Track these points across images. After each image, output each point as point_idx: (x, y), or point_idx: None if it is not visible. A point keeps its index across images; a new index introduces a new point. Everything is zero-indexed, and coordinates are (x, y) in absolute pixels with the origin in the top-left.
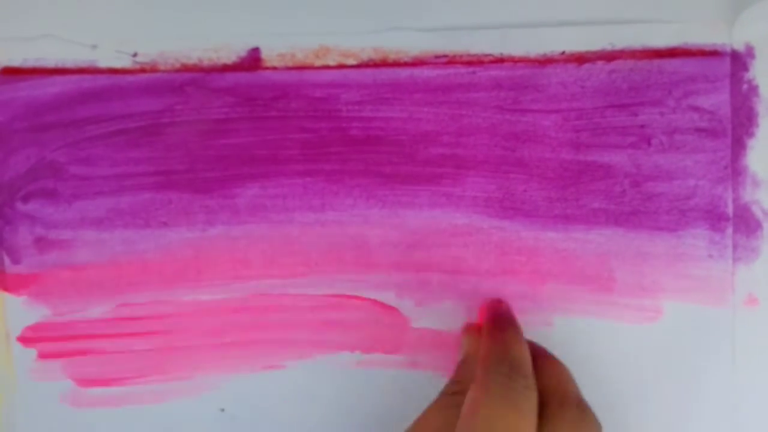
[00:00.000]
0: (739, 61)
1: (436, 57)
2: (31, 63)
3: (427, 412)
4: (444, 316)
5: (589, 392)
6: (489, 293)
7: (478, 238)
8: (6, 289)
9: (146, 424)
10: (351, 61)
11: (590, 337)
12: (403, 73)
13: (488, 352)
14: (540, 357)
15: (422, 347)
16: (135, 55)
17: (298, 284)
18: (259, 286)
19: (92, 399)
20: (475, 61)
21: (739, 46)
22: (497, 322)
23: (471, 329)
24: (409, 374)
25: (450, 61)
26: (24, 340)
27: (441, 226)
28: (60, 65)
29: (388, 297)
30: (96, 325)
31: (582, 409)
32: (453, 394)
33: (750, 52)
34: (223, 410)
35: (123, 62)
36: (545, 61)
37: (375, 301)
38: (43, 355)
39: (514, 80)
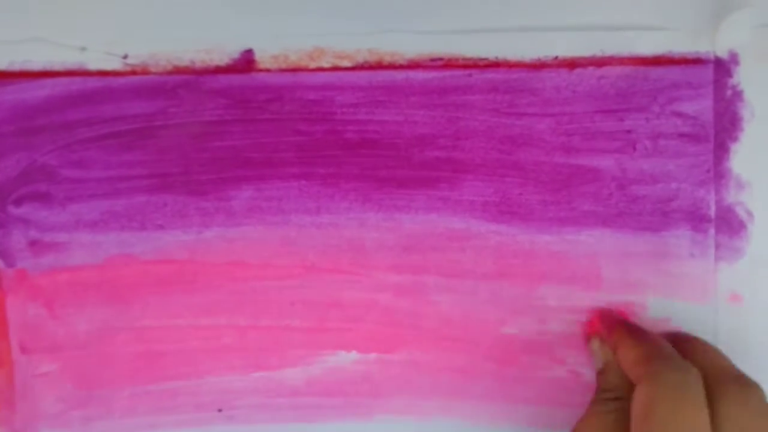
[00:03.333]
0: (722, 67)
1: (432, 60)
2: (18, 66)
3: (583, 422)
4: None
5: None
6: (486, 296)
7: (475, 243)
8: (2, 292)
9: (144, 424)
10: (346, 63)
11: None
12: (399, 75)
13: (643, 352)
14: (681, 341)
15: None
16: (125, 56)
17: (294, 287)
18: (254, 288)
19: (91, 399)
20: (470, 65)
21: (722, 53)
22: (629, 326)
23: (595, 339)
24: None
25: (446, 64)
26: (21, 342)
27: (437, 230)
28: (48, 68)
29: (385, 298)
30: (92, 327)
31: (743, 381)
32: (606, 401)
33: (734, 58)
34: (220, 410)
35: (113, 64)
36: (539, 66)
37: (373, 302)
38: (40, 358)
39: (510, 84)
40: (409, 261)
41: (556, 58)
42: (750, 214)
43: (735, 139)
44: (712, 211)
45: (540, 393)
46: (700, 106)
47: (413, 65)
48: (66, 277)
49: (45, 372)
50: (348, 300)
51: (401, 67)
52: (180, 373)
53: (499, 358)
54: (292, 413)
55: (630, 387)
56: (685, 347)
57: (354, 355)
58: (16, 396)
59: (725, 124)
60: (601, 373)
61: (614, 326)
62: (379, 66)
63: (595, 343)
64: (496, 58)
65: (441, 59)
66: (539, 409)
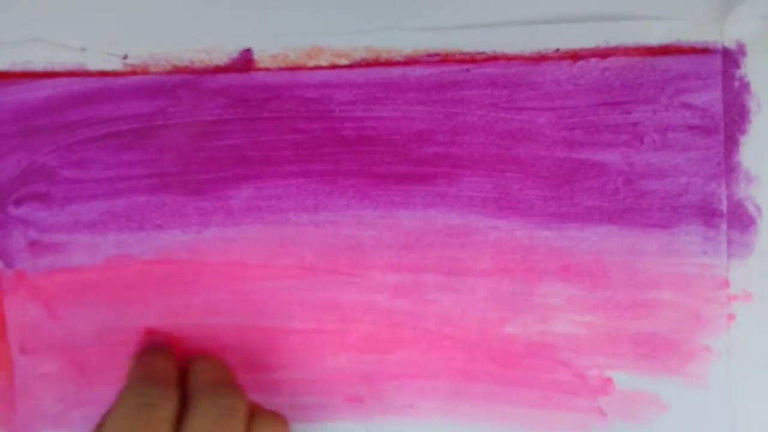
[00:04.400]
0: (730, 58)
1: (429, 55)
2: (19, 67)
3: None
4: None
5: None
6: (486, 294)
7: (474, 239)
8: (1, 292)
9: None
10: (343, 61)
11: None
12: (396, 72)
13: (135, 365)
14: (190, 361)
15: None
16: (125, 57)
17: (292, 287)
18: (253, 288)
19: (92, 399)
20: (468, 59)
21: (730, 43)
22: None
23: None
24: None
25: (443, 59)
26: (21, 343)
27: (436, 227)
28: (49, 69)
29: (384, 298)
30: (92, 328)
31: (215, 388)
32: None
33: (741, 49)
34: None
35: (113, 65)
36: (539, 59)
37: (372, 303)
38: (40, 359)
39: (508, 78)
40: (408, 259)
41: (558, 50)
42: (759, 208)
43: (744, 131)
44: (723, 206)
45: (542, 396)
46: (709, 97)
47: (410, 61)
48: (65, 278)
49: (45, 372)
50: (346, 300)
51: (398, 63)
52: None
53: (501, 359)
54: (291, 414)
55: None
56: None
57: (353, 355)
58: (16, 396)
59: (734, 116)
60: None
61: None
62: (376, 63)
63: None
64: (495, 52)
65: (438, 55)
66: (542, 413)
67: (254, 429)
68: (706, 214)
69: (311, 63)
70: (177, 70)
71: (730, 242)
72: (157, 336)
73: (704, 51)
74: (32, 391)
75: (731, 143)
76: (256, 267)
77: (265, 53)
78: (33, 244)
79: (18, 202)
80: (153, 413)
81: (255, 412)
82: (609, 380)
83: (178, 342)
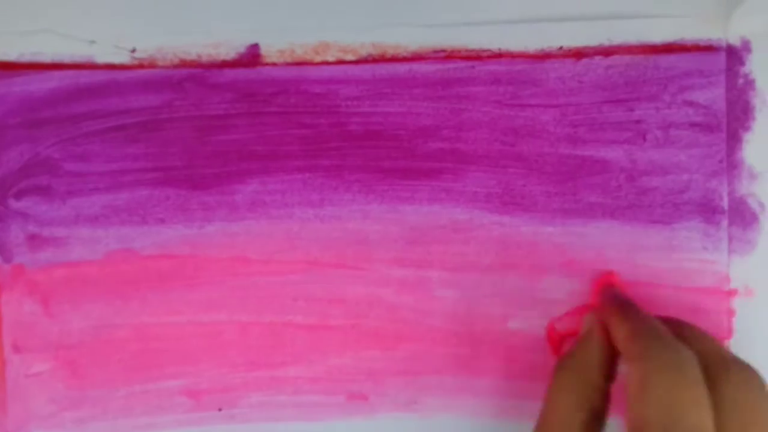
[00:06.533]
0: (734, 55)
1: (435, 52)
2: (27, 58)
3: (552, 395)
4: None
5: None
6: (490, 289)
7: (478, 234)
8: None
9: (141, 425)
10: (350, 57)
11: None
12: (402, 68)
13: (635, 329)
14: (676, 326)
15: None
16: (133, 50)
17: (296, 282)
18: (257, 283)
19: (85, 399)
20: (473, 56)
21: (734, 40)
22: (623, 301)
23: (590, 314)
24: None
25: (448, 56)
26: (14, 341)
27: (441, 222)
28: (57, 60)
29: (388, 293)
30: (88, 325)
31: (743, 367)
32: (574, 371)
33: (746, 46)
34: (220, 410)
35: (121, 58)
36: (543, 56)
37: (377, 298)
38: (32, 357)
39: (513, 75)
40: (413, 254)
41: (561, 48)
42: (762, 205)
43: (747, 128)
44: (725, 203)
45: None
46: (712, 95)
47: (416, 57)
48: (64, 273)
49: (37, 372)
50: (351, 296)
51: (405, 59)
52: (179, 371)
53: (505, 355)
54: (295, 411)
55: (603, 364)
56: (679, 332)
57: (357, 351)
58: (8, 397)
59: (737, 114)
60: (578, 340)
61: (608, 300)
62: (382, 59)
63: (589, 317)
64: (500, 49)
65: (444, 51)
66: None
67: None
68: (707, 210)
69: (318, 58)
70: (184, 64)
71: (731, 239)
72: (614, 288)
73: (708, 48)
74: (24, 392)
75: (734, 140)
76: (259, 262)
77: (272, 48)
78: (32, 238)
79: (18, 195)
80: (688, 373)
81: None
82: None
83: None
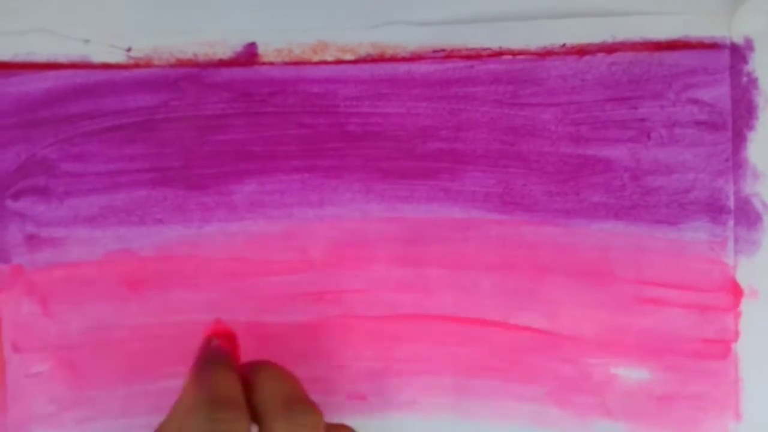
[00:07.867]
0: (738, 53)
1: (434, 51)
2: (22, 58)
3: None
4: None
5: None
6: (490, 289)
7: (477, 233)
8: None
9: (140, 425)
10: (348, 57)
11: None
12: (401, 68)
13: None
14: (254, 369)
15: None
16: (129, 49)
17: (295, 282)
18: (255, 284)
19: (85, 399)
20: (473, 55)
21: (738, 39)
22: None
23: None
24: None
25: (448, 55)
26: (13, 341)
27: (440, 221)
28: (52, 60)
29: (387, 293)
30: (87, 326)
31: (305, 409)
32: None
33: (749, 44)
34: None
35: (117, 57)
36: (545, 54)
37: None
38: (32, 357)
39: (513, 74)
40: (412, 253)
41: (564, 45)
42: (766, 205)
43: (751, 127)
44: (731, 203)
45: (546, 392)
46: (717, 93)
47: (415, 57)
48: (62, 274)
49: (37, 372)
50: (350, 295)
51: (403, 59)
52: (178, 371)
53: (504, 355)
54: None
55: None
56: (254, 375)
57: (357, 351)
58: (8, 397)
59: (742, 112)
60: None
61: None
62: (381, 59)
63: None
64: (500, 47)
65: (443, 50)
66: (546, 409)
67: None
68: (714, 210)
69: (316, 58)
70: (180, 64)
71: (737, 239)
72: (215, 341)
73: (712, 46)
74: (24, 392)
75: (739, 139)
76: (258, 262)
77: (269, 47)
78: (30, 239)
79: (16, 196)
80: None
81: (328, 427)
82: (614, 377)
83: (236, 343)
